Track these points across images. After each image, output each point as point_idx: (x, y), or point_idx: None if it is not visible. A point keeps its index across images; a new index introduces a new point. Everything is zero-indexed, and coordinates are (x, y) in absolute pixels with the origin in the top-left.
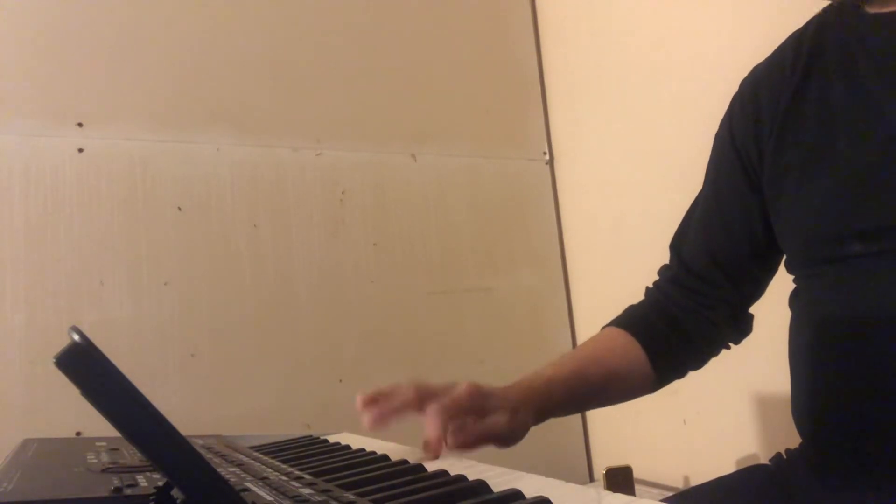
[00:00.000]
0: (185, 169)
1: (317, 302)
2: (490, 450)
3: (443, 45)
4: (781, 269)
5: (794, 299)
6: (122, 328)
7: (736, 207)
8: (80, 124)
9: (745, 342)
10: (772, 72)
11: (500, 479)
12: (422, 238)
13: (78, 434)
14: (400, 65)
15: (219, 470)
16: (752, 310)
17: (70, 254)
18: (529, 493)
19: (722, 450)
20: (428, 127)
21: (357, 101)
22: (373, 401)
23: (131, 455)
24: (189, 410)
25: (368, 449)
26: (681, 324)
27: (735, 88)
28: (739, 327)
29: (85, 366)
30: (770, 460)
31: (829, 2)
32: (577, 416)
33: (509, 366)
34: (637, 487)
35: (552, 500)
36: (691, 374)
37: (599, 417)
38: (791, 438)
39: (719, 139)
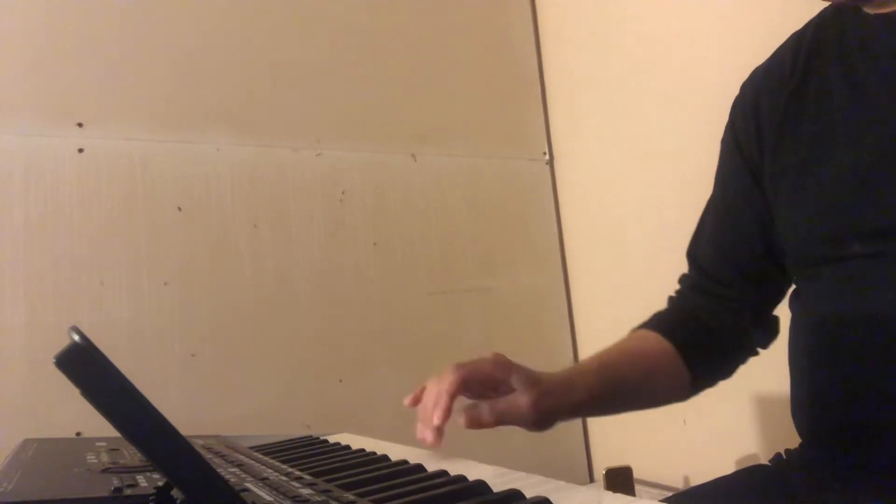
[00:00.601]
0: (185, 169)
1: (317, 302)
2: (490, 450)
3: (443, 45)
4: None
5: (794, 300)
6: (122, 328)
7: (746, 210)
8: (80, 124)
9: None
10: (771, 73)
11: (500, 479)
12: (422, 238)
13: (78, 434)
14: (400, 65)
15: (219, 470)
16: None
17: (70, 254)
18: (529, 493)
19: (722, 450)
20: (428, 127)
21: (357, 101)
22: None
23: (131, 455)
24: (189, 410)
25: (368, 449)
26: (709, 328)
27: (734, 89)
28: (766, 330)
29: (85, 366)
30: (770, 460)
31: (829, 2)
32: None
33: None
34: (637, 487)
35: (552, 500)
36: None
37: (599, 417)
38: (791, 438)
39: (725, 144)
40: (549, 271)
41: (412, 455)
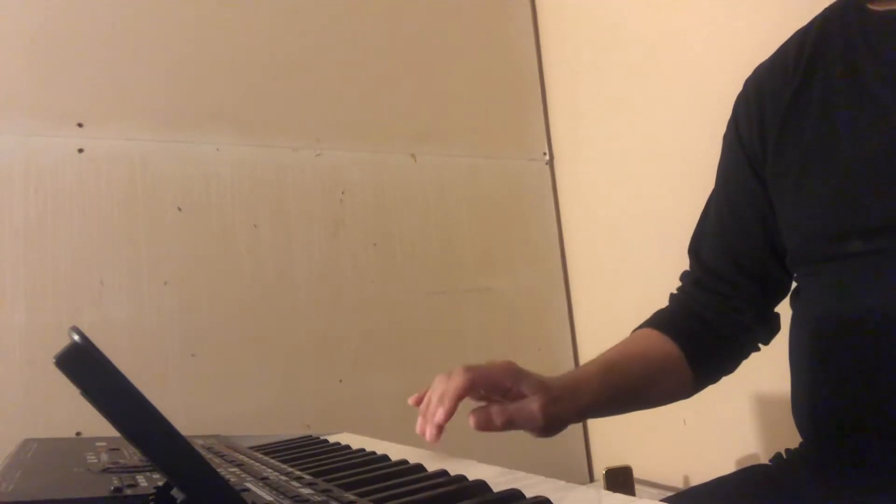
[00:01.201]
0: (185, 169)
1: (317, 302)
2: (490, 450)
3: (443, 45)
4: None
5: (795, 298)
6: (122, 328)
7: (748, 207)
8: (80, 124)
9: None
10: (775, 71)
11: (500, 479)
12: (422, 238)
13: (78, 434)
14: (400, 65)
15: (219, 470)
16: None
17: (70, 254)
18: (529, 492)
19: (722, 450)
20: (428, 127)
21: (357, 101)
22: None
23: (131, 455)
24: (189, 410)
25: (368, 449)
26: (712, 325)
27: (737, 88)
28: (768, 326)
29: (85, 366)
30: (770, 460)
31: None
32: None
33: None
34: (637, 487)
35: (552, 500)
36: None
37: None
38: (791, 438)
39: (727, 140)
40: (549, 271)
41: (412, 455)
